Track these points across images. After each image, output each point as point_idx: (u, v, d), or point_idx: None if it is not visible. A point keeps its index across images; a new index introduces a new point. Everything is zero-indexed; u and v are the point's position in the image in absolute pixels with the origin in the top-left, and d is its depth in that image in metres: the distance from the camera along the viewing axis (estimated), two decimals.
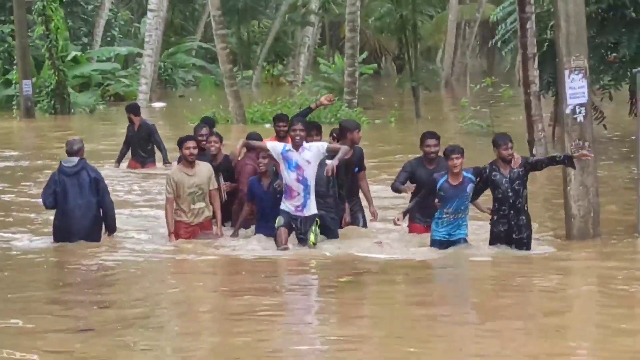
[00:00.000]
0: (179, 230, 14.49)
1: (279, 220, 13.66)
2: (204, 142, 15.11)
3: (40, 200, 15.17)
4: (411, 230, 14.31)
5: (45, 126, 36.56)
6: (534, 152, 22.56)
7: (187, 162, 14.31)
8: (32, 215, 17.69)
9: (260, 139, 14.76)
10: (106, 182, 15.20)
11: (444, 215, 13.24)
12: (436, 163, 13.85)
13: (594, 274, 13.04)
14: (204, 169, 14.41)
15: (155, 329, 10.55)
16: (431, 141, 13.92)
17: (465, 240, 13.33)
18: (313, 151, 13.52)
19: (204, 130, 15.32)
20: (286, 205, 13.66)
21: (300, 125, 13.75)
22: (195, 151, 14.29)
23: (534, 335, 10.07)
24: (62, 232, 14.76)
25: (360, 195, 14.84)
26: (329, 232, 14.15)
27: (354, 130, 14.22)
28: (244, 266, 13.43)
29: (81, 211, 14.57)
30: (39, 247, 14.98)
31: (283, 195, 13.70)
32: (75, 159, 14.65)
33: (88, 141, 18.87)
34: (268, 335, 10.22)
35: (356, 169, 14.51)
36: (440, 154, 13.70)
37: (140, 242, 15.12)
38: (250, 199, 14.34)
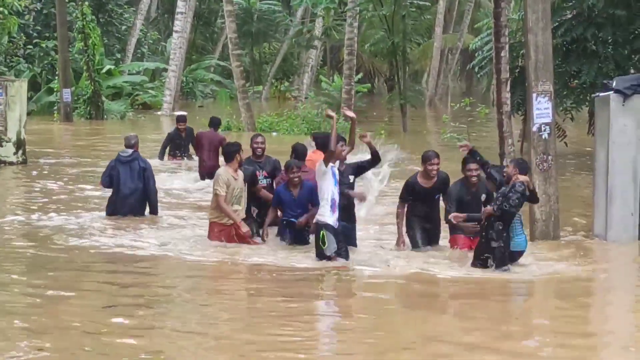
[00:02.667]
0: (213, 229, 13.67)
1: (331, 245, 12.45)
2: (259, 149, 14.24)
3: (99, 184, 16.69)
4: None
5: (81, 129, 36.60)
6: (505, 163, 22.54)
7: (237, 166, 13.55)
8: (76, 202, 17.97)
9: (305, 150, 13.99)
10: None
11: None
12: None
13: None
14: (241, 174, 13.70)
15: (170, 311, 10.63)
16: (472, 165, 12.88)
17: None
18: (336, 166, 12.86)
19: (259, 139, 14.60)
20: (332, 219, 12.46)
21: (343, 142, 13.07)
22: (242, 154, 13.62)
23: None
24: (115, 207, 16.00)
25: None
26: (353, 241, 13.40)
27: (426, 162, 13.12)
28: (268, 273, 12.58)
29: (130, 192, 15.91)
30: (86, 226, 15.23)
31: (329, 210, 12.44)
32: (130, 151, 16.10)
33: (120, 142, 19.32)
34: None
35: (438, 194, 13.33)
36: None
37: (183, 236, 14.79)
38: (275, 205, 13.49)
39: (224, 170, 13.59)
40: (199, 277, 12.54)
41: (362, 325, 10.04)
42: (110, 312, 10.26)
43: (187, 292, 11.51)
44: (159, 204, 16.40)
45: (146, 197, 16.03)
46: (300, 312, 10.58)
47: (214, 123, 21.12)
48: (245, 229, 13.44)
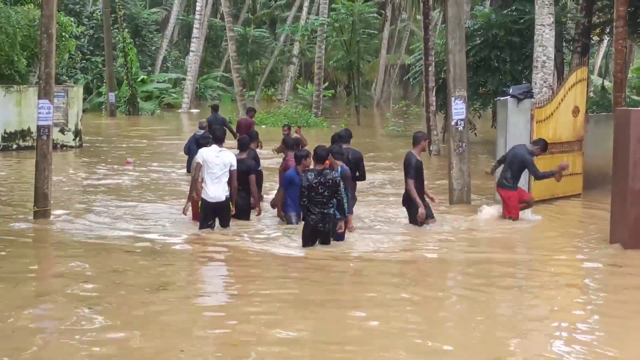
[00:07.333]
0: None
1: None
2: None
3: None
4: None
5: (123, 123, 36.38)
6: (431, 148, 22.60)
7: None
8: (119, 171, 17.79)
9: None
10: None
11: None
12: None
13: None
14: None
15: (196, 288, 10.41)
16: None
17: None
18: None
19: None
20: None
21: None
22: None
23: None
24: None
25: None
26: None
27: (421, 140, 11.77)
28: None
29: None
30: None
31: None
32: (202, 131, 16.79)
33: (153, 130, 19.14)
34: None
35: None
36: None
37: None
38: (286, 185, 11.46)
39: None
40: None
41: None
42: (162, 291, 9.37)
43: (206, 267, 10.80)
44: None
45: None
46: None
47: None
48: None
